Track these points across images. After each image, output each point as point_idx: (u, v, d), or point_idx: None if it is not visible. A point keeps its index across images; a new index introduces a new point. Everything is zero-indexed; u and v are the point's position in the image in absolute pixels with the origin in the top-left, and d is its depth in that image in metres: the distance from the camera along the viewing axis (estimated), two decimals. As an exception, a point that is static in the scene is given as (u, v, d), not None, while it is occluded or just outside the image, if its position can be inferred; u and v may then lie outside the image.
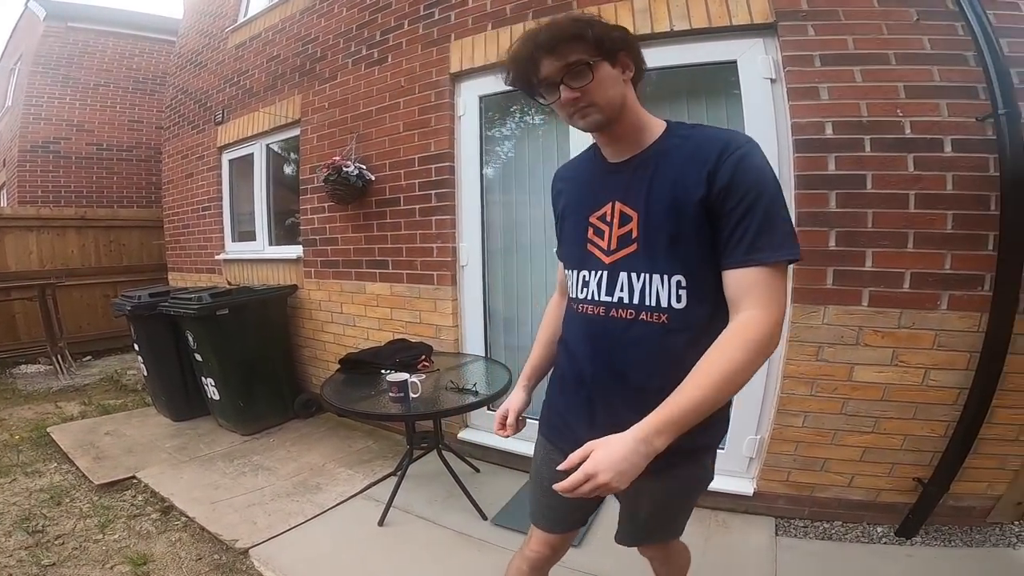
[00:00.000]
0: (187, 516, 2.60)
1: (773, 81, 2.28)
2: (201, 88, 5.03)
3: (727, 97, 2.39)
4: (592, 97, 1.01)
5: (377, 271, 3.46)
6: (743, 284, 0.97)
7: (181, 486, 2.88)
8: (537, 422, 1.38)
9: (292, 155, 4.28)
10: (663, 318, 1.04)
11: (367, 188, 3.36)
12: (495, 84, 2.92)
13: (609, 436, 0.94)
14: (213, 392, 3.60)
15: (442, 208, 3.09)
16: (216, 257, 4.82)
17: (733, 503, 2.44)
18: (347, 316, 3.70)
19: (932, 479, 2.16)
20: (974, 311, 2.04)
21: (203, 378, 3.65)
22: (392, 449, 3.29)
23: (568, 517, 1.34)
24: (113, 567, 2.23)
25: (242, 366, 3.54)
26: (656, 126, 1.09)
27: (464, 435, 3.13)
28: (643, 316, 1.05)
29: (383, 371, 2.68)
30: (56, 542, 2.40)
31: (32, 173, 7.06)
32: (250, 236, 4.60)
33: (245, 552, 2.29)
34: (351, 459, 3.19)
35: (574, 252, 1.17)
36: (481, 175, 3.05)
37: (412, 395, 2.31)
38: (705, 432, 1.06)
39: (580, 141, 2.62)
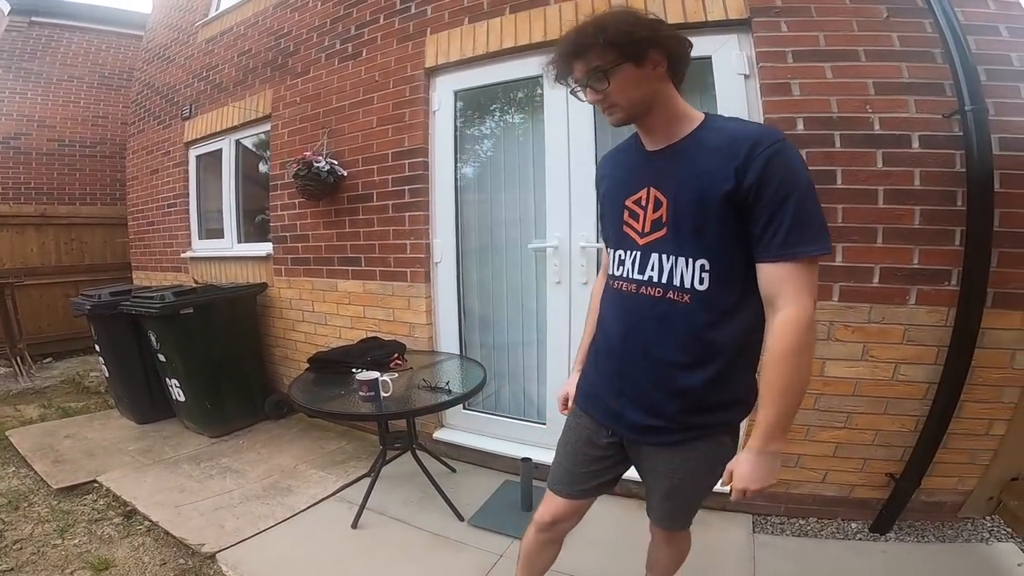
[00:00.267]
0: (150, 520, 2.50)
1: (747, 77, 2.30)
2: (168, 83, 4.90)
3: (702, 93, 2.40)
4: (613, 99, 1.09)
5: (349, 268, 3.40)
6: (777, 278, 1.04)
7: (145, 490, 2.78)
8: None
9: (262, 152, 4.19)
10: (686, 298, 1.11)
11: (339, 184, 3.29)
12: (471, 79, 2.93)
13: (738, 456, 1.12)
14: (178, 393, 3.50)
15: (416, 204, 3.05)
16: (182, 255, 4.69)
17: (711, 501, 2.40)
18: (319, 315, 3.63)
19: (903, 474, 2.17)
20: (942, 305, 2.07)
21: (167, 379, 3.54)
22: (366, 450, 3.23)
23: (582, 484, 1.40)
24: (73, 572, 2.15)
25: (208, 366, 3.44)
26: (693, 118, 1.14)
27: (439, 435, 3.08)
28: (670, 295, 1.13)
29: (354, 370, 2.63)
30: (14, 547, 2.31)
31: (-11, 170, 6.81)
32: (218, 233, 4.48)
33: (212, 556, 2.21)
34: (324, 460, 3.12)
35: (613, 233, 1.26)
36: (456, 171, 3.01)
37: (383, 394, 2.26)
38: (724, 411, 1.19)
39: (557, 140, 2.64)
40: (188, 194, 4.69)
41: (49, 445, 3.39)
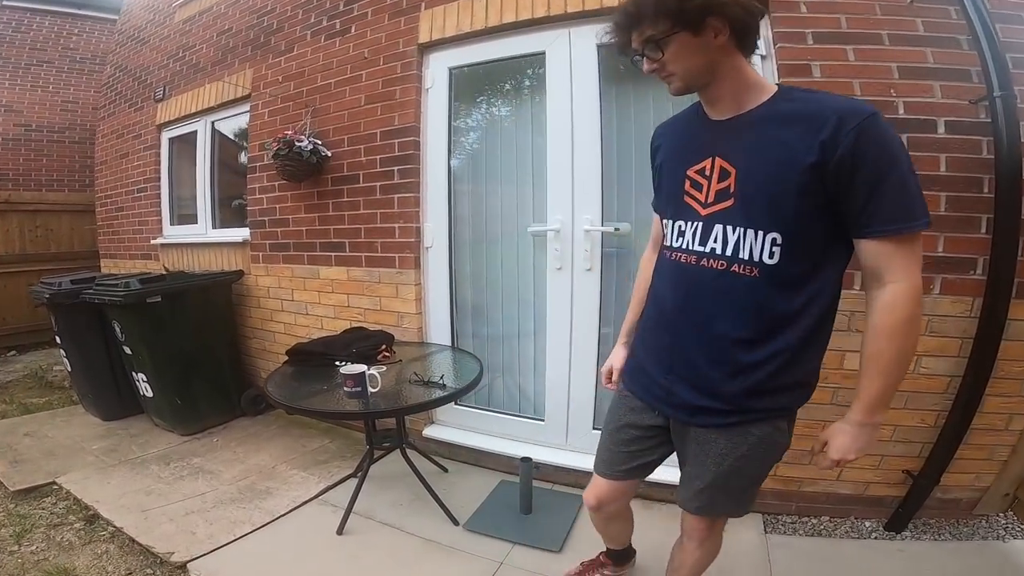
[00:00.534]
0: (114, 526, 2.31)
1: (764, 57, 2.20)
2: (142, 65, 4.68)
3: None
4: (669, 68, 1.07)
5: (333, 254, 3.21)
6: (884, 253, 1.02)
7: (108, 492, 2.58)
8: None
9: (239, 136, 4.00)
10: (754, 271, 1.08)
11: (322, 165, 3.10)
12: (468, 55, 2.77)
13: (834, 425, 1.13)
14: (145, 388, 3.27)
15: (405, 186, 2.87)
16: (152, 241, 4.46)
17: None
18: (299, 304, 3.43)
19: (922, 471, 2.11)
20: (967, 295, 1.99)
21: (134, 373, 3.31)
22: (351, 448, 3.05)
23: (621, 465, 1.40)
24: (30, 582, 1.95)
25: (178, 359, 3.22)
26: (765, 88, 1.11)
27: (430, 432, 2.91)
28: (734, 268, 1.10)
29: (337, 363, 2.44)
30: (-35, 554, 2.10)
31: (-51, 156, 6.50)
32: (191, 219, 4.26)
33: (183, 566, 2.03)
34: (305, 460, 2.92)
35: (671, 203, 1.23)
36: (449, 151, 2.84)
37: (371, 389, 2.08)
38: (785, 394, 1.15)
39: (559, 120, 2.50)
40: (160, 178, 4.49)
41: (8, 444, 3.17)
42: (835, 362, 2.08)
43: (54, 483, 2.69)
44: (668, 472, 2.45)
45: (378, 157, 2.96)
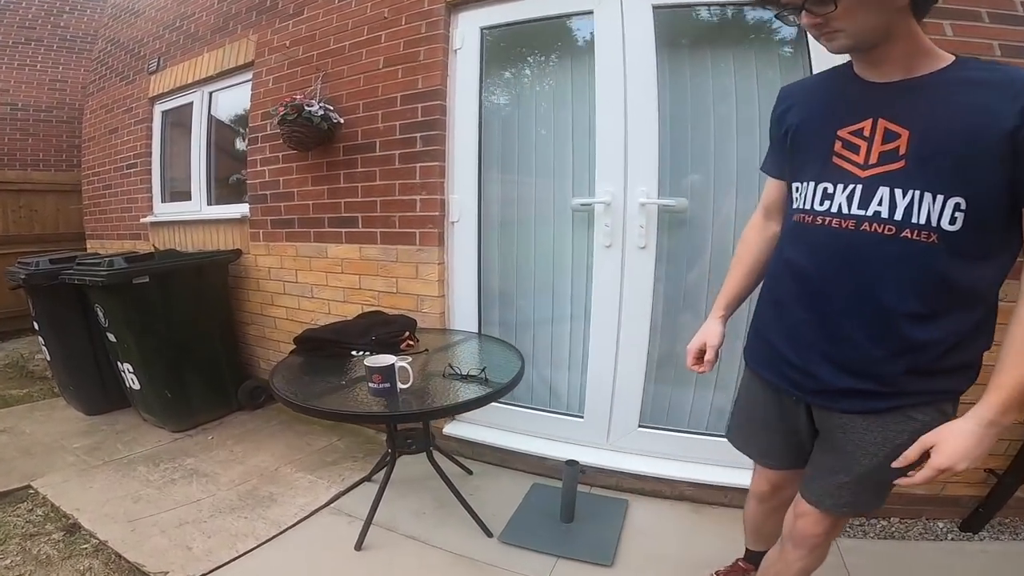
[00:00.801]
0: (97, 538, 2.01)
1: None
2: (135, 37, 4.40)
3: (796, 43, 2.07)
4: (838, 23, 0.99)
5: (343, 230, 2.90)
6: None
7: (91, 498, 2.29)
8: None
9: (236, 122, 3.78)
10: (933, 237, 0.98)
11: (333, 132, 2.79)
12: (502, 14, 2.46)
13: (948, 426, 0.97)
14: (132, 380, 2.96)
15: (429, 153, 2.56)
16: (142, 220, 4.18)
17: None
18: (303, 286, 3.13)
19: (1008, 469, 1.95)
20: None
21: (119, 363, 3.00)
22: (362, 447, 2.75)
23: (782, 453, 1.33)
24: (3, 600, 1.70)
25: (168, 348, 2.92)
26: (941, 56, 1.03)
27: (450, 430, 2.63)
28: (906, 233, 0.99)
29: (353, 352, 2.14)
30: (-71, 568, 1.84)
31: (-70, 134, 6.39)
32: (184, 196, 3.96)
33: (177, 590, 1.74)
34: (312, 461, 2.62)
35: (811, 164, 1.14)
36: (480, 117, 2.53)
37: (400, 385, 1.77)
38: (952, 376, 1.06)
39: (611, 82, 2.21)
40: (151, 153, 4.23)
41: (-20, 441, 2.86)
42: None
43: (30, 487, 2.40)
44: (718, 472, 2.26)
45: (397, 123, 2.65)
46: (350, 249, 2.89)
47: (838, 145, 1.09)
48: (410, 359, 1.89)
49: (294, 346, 2.30)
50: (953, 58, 1.03)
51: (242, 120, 3.56)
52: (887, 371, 1.05)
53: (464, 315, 2.64)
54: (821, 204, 1.09)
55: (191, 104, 3.89)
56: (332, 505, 2.22)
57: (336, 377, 1.99)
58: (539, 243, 2.53)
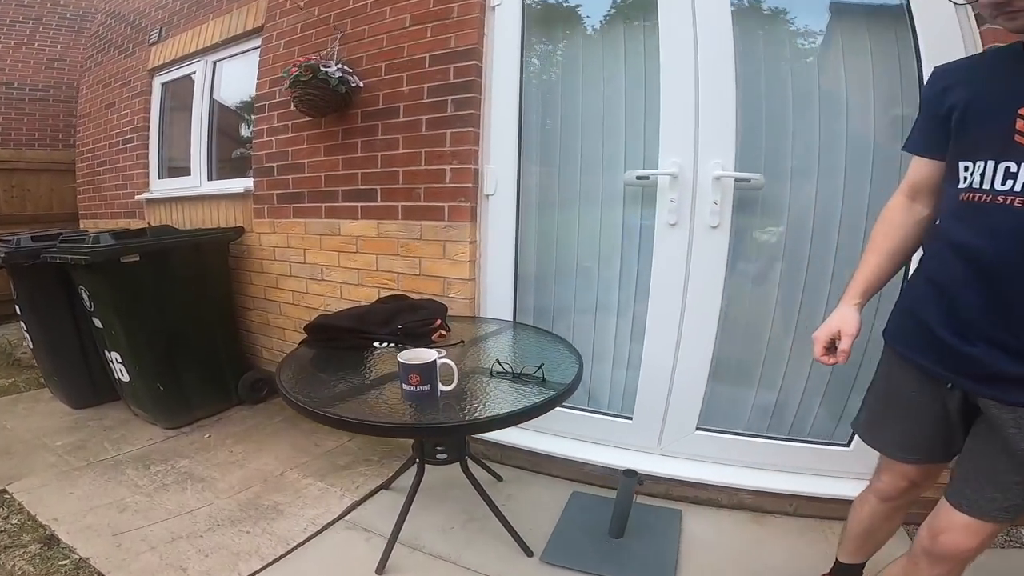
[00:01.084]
0: (78, 554, 1.75)
1: (956, 4, 1.67)
2: (136, 8, 4.21)
3: (894, 18, 1.81)
4: (1022, 3, 0.97)
5: (359, 204, 2.62)
6: None
7: (71, 506, 2.03)
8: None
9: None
10: None
11: (351, 97, 2.51)
12: None
13: None
14: (120, 371, 2.68)
15: (462, 119, 2.27)
16: (138, 197, 3.94)
17: (831, 509, 1.90)
18: (312, 267, 2.87)
19: None
20: None
21: (106, 352, 2.72)
22: (377, 448, 2.46)
23: (928, 445, 1.24)
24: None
25: (161, 335, 2.66)
26: None
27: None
28: None
29: (376, 344, 1.85)
30: None
31: (-76, 113, 6.36)
32: (183, 172, 3.74)
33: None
34: (321, 465, 2.35)
35: (989, 142, 1.08)
36: (520, 80, 2.25)
37: (442, 388, 1.46)
38: None
39: (679, 43, 1.92)
40: (148, 127, 4.05)
41: (-42, 438, 2.61)
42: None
43: (6, 491, 2.15)
44: (783, 479, 2.00)
45: (425, 86, 2.37)
46: (366, 225, 2.61)
47: (1020, 123, 1.05)
48: (443, 353, 1.59)
49: (304, 335, 1.99)
50: None
51: (247, 92, 3.32)
52: None
53: (498, 301, 2.36)
54: (1003, 184, 1.05)
55: (192, 75, 3.68)
56: (346, 518, 1.95)
57: (357, 375, 1.68)
58: (584, 221, 2.25)
